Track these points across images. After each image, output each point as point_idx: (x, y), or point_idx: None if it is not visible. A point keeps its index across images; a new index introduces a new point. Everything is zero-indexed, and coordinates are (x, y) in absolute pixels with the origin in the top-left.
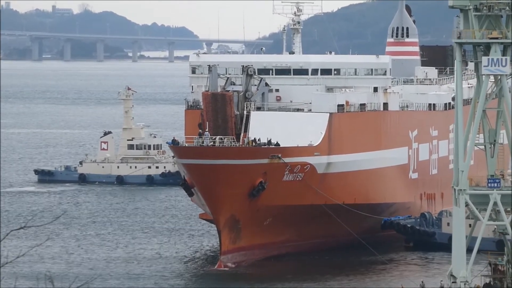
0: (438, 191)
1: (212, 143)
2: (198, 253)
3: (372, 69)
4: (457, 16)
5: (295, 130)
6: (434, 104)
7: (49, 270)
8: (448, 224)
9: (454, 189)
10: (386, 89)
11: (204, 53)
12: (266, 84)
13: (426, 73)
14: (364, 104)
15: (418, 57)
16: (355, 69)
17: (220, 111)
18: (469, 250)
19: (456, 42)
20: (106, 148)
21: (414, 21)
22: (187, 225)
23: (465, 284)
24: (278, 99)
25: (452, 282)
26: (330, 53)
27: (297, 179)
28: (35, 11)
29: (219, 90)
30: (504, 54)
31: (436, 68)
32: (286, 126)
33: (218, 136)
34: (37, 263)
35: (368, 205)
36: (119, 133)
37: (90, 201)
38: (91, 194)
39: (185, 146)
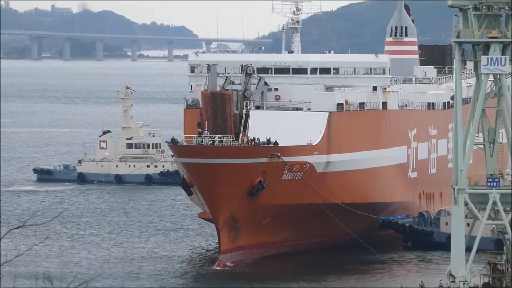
0: (437, 190)
1: (211, 142)
2: (197, 252)
3: (371, 68)
4: (455, 15)
5: (294, 129)
6: (433, 103)
7: (48, 269)
8: (446, 223)
9: (454, 188)
10: (385, 88)
11: (203, 52)
12: (265, 83)
13: (425, 72)
14: (363, 103)
15: (416, 56)
16: (354, 68)
17: (219, 110)
18: (468, 250)
19: (455, 42)
20: (105, 147)
21: (413, 20)
22: (186, 224)
23: (464, 283)
24: (277, 98)
25: (451, 282)
26: (329, 52)
27: (296, 178)
28: (35, 10)
29: (218, 89)
30: (503, 53)
31: (434, 67)
32: (285, 125)
33: (217, 135)
34: (36, 262)
35: (367, 204)
36: (118, 132)
37: (88, 200)
38: (89, 193)
39: (185, 145)
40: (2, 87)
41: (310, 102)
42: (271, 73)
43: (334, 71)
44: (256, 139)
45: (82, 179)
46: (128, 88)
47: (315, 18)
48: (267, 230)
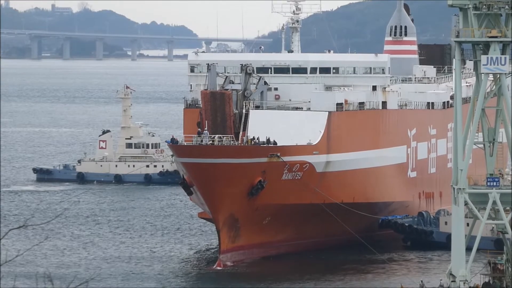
0: (436, 190)
1: (211, 142)
2: (197, 252)
3: (370, 68)
4: (455, 14)
5: (294, 129)
6: (432, 103)
7: (48, 269)
8: (445, 223)
9: (453, 188)
10: (385, 88)
11: (203, 51)
12: (265, 83)
13: (425, 71)
14: (363, 103)
15: (416, 56)
16: (354, 68)
17: (219, 110)
18: (467, 249)
19: (455, 41)
20: (104, 147)
21: (412, 20)
22: (185, 224)
23: (464, 283)
24: (277, 97)
25: (452, 281)
26: (329, 51)
27: (296, 178)
28: (35, 9)
29: (218, 88)
30: (503, 52)
31: (434, 67)
32: (285, 125)
33: (217, 135)
34: (36, 262)
35: (366, 204)
36: (118, 132)
37: (88, 200)
38: (89, 193)
39: (184, 145)
40: (1, 87)
41: (309, 101)
42: (271, 73)
43: (334, 71)
44: (255, 139)
45: (81, 179)
46: (127, 87)
47: (315, 18)
48: (267, 230)
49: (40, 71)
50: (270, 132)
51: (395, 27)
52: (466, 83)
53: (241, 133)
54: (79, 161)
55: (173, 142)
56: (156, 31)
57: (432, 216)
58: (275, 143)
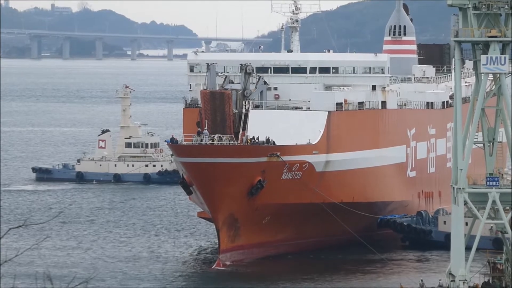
0: (435, 189)
1: (210, 142)
2: (196, 252)
3: (370, 68)
4: (454, 14)
5: (293, 128)
6: (432, 103)
7: (48, 269)
8: (444, 222)
9: (453, 188)
10: (384, 87)
11: (203, 51)
12: (265, 83)
13: (424, 71)
14: (362, 103)
15: (415, 56)
16: (353, 67)
17: (218, 110)
18: (466, 249)
19: (455, 41)
20: (103, 146)
21: (411, 20)
22: (185, 224)
23: (463, 282)
24: (277, 97)
25: (451, 281)
26: (328, 51)
27: (296, 177)
28: (34, 9)
29: (217, 88)
30: (503, 52)
31: (433, 67)
32: (285, 124)
33: (217, 135)
34: (35, 261)
35: (366, 204)
36: (117, 131)
37: (87, 199)
38: (88, 193)
39: (184, 144)
40: (1, 86)
41: (309, 101)
42: (270, 72)
43: (333, 70)
44: (255, 138)
45: (81, 178)
46: (127, 87)
47: (315, 17)
48: (267, 230)
49: (39, 70)
50: (269, 132)
51: (394, 26)
52: (465, 82)
53: (240, 132)
54: (78, 161)
55: (173, 142)
56: (156, 31)
57: (430, 216)
58: (273, 142)
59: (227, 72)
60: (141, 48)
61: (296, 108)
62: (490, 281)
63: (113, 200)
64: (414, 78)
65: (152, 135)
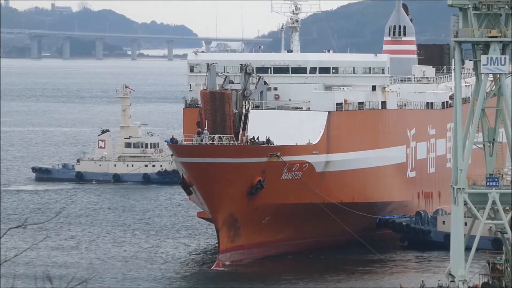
0: (435, 189)
1: (210, 142)
2: (196, 252)
3: (370, 68)
4: (453, 14)
5: (293, 128)
6: (431, 103)
7: (47, 268)
8: (443, 222)
9: (453, 188)
10: (384, 88)
11: (203, 51)
12: (265, 83)
13: (424, 71)
14: (362, 103)
15: (415, 56)
16: (353, 68)
17: (218, 110)
18: (465, 249)
19: (455, 41)
20: (103, 146)
21: (411, 20)
22: (184, 224)
23: (463, 283)
24: (277, 97)
25: (451, 281)
26: (328, 51)
27: (296, 177)
28: (34, 9)
29: (217, 88)
30: (503, 52)
31: (433, 67)
32: (285, 124)
33: (217, 135)
34: (35, 262)
35: (366, 204)
36: (117, 131)
37: (87, 199)
38: (88, 193)
39: (184, 145)
40: (1, 86)
41: (309, 101)
42: (270, 73)
43: (333, 71)
44: (255, 139)
45: (80, 178)
46: (127, 87)
47: (315, 18)
48: (267, 230)
49: (40, 70)
50: (269, 132)
51: (394, 27)
52: (465, 83)
53: (240, 133)
54: (78, 161)
55: (173, 142)
56: (156, 31)
57: (429, 216)
58: (272, 143)
59: (227, 72)
60: (141, 48)
61: (296, 108)
62: (490, 282)
63: (112, 200)
64: (414, 78)
65: (152, 135)
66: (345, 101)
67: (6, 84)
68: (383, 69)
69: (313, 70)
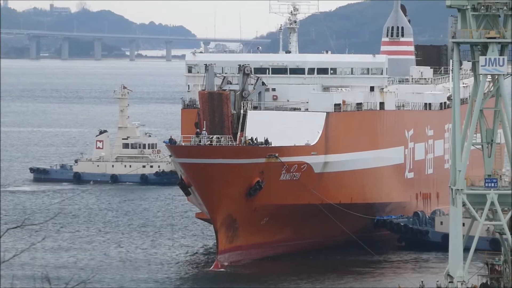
0: (433, 190)
1: (209, 142)
2: (194, 253)
3: (368, 69)
4: (451, 15)
5: (292, 129)
6: (429, 104)
7: (45, 269)
8: (441, 223)
9: (451, 189)
10: (383, 89)
11: (201, 52)
12: (263, 83)
13: (422, 72)
14: (360, 104)
15: (413, 57)
16: (352, 69)
17: (217, 110)
18: (463, 249)
19: (454, 42)
20: (101, 147)
21: (409, 21)
22: (183, 224)
23: (462, 284)
24: (275, 98)
25: (449, 282)
26: (327, 52)
27: (294, 178)
28: (33, 9)
29: (215, 89)
30: (501, 53)
31: (431, 68)
32: (283, 125)
33: (215, 136)
34: (33, 262)
35: (364, 205)
36: (115, 132)
37: (84, 200)
38: (85, 193)
39: (182, 145)
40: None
41: (307, 102)
42: (269, 73)
43: (332, 71)
44: (253, 139)
45: (78, 178)
46: (125, 88)
47: (314, 18)
48: (265, 230)
49: (38, 71)
50: (268, 133)
51: (392, 28)
52: (463, 84)
53: (239, 133)
54: (76, 161)
55: (171, 143)
56: (155, 32)
57: (427, 216)
58: (270, 143)
59: (225, 73)
60: (140, 48)
61: (295, 109)
62: (488, 282)
63: (110, 201)
64: (412, 79)
65: (150, 136)
66: (343, 102)
67: (4, 85)
68: (381, 70)
69: (311, 71)
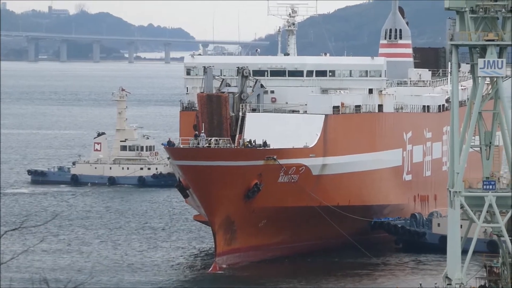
0: (431, 193)
1: (207, 145)
2: (192, 255)
3: (367, 71)
4: (449, 18)
5: (290, 131)
6: (428, 106)
7: (43, 271)
8: (438, 224)
9: (450, 191)
10: (381, 91)
11: (199, 54)
12: (262, 86)
13: (420, 75)
14: (359, 106)
15: (411, 59)
16: (350, 71)
17: (215, 113)
18: (461, 252)
19: (452, 44)
20: (99, 149)
21: (407, 23)
22: (181, 227)
23: (460, 286)
24: (273, 100)
25: (447, 284)
26: (325, 54)
27: (292, 180)
28: (32, 11)
29: (214, 91)
30: (500, 56)
31: (429, 70)
32: (282, 127)
33: (214, 138)
34: (31, 264)
35: (362, 207)
36: (113, 134)
37: (82, 202)
38: (83, 196)
39: (181, 148)
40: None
41: (306, 104)
42: (267, 76)
43: (330, 74)
44: (252, 142)
45: (76, 181)
46: (123, 90)
47: (312, 20)
48: (263, 233)
49: (37, 73)
50: (266, 135)
51: (390, 30)
52: (461, 86)
53: (237, 136)
54: (73, 163)
55: (169, 145)
56: (153, 34)
57: (424, 218)
58: (268, 145)
59: (224, 75)
60: (138, 50)
61: (293, 112)
62: (487, 285)
63: (108, 203)
64: (410, 81)
65: (148, 138)
66: (342, 104)
67: (4, 87)
68: (380, 72)
69: (310, 73)
